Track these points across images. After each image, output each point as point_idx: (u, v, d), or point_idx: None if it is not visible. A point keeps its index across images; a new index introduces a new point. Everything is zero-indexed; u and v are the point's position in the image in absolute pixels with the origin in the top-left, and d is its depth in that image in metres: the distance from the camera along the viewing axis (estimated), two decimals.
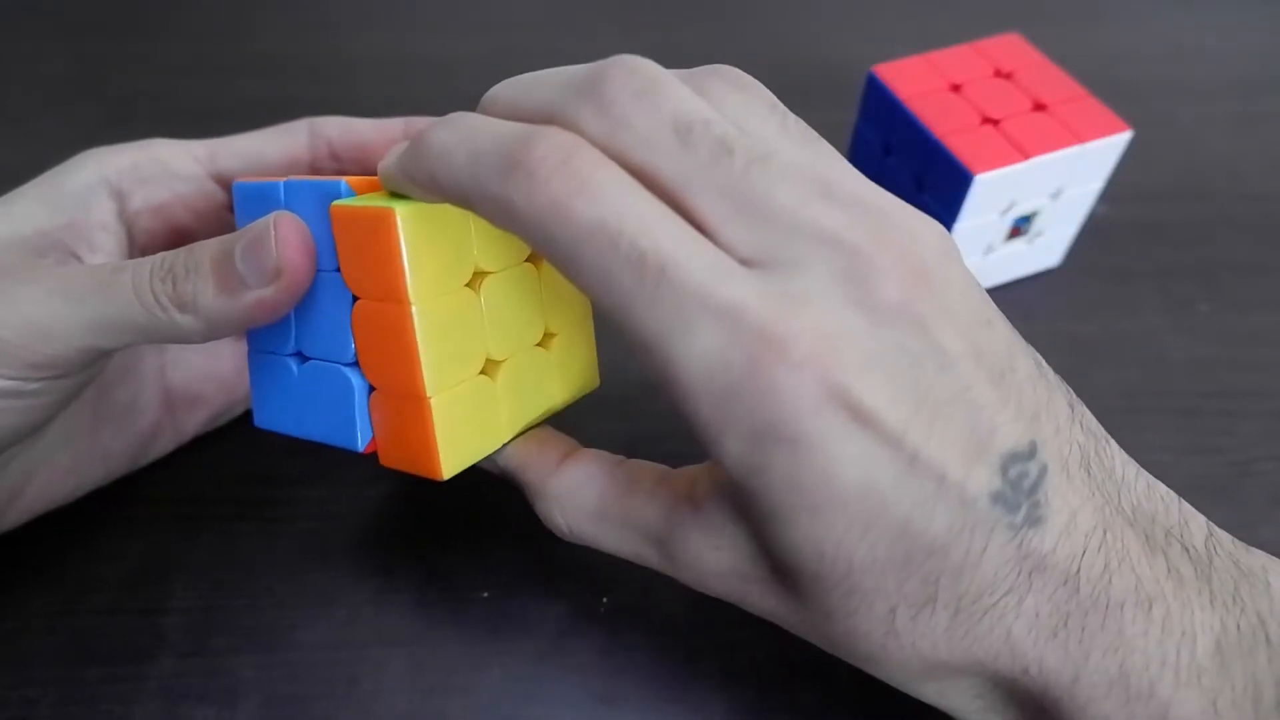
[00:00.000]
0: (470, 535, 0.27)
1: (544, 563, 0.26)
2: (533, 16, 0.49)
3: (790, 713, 0.24)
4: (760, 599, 0.19)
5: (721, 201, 0.17)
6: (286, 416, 0.22)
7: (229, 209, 0.25)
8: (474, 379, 0.20)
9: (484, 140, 0.17)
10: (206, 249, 0.20)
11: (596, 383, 0.24)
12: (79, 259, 0.23)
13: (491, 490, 0.28)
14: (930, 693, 0.19)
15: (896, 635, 0.17)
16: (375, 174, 0.25)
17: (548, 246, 0.17)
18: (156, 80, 0.43)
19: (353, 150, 0.25)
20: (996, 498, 0.17)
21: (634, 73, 0.17)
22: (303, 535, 0.27)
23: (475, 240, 0.20)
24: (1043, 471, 0.17)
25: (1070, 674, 0.17)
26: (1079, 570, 0.17)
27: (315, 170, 0.25)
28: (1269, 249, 0.37)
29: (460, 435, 0.20)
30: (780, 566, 0.18)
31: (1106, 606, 0.17)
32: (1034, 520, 0.17)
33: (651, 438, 0.27)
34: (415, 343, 0.19)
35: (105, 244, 0.23)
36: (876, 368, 0.16)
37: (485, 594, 0.26)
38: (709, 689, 0.24)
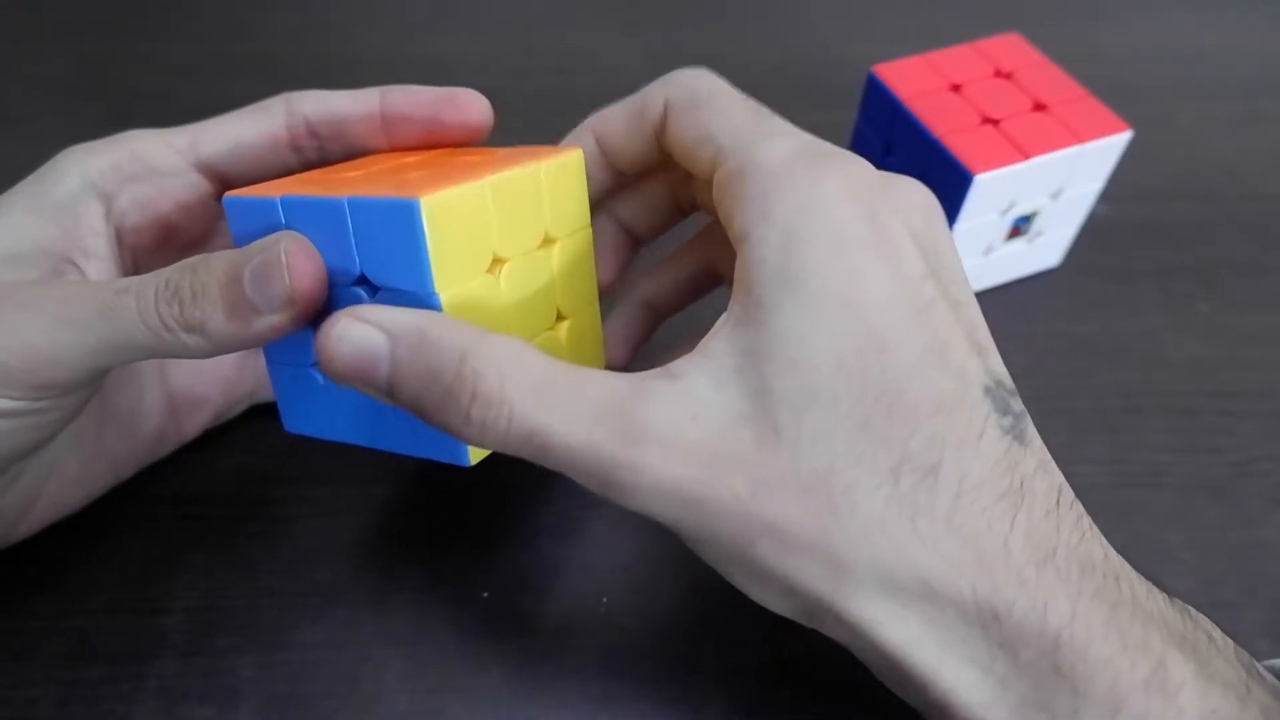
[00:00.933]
0: (470, 535, 0.27)
1: (544, 563, 0.26)
2: (533, 16, 0.49)
3: (790, 713, 0.24)
4: (732, 476, 0.17)
5: None
6: (322, 423, 0.22)
7: (216, 198, 0.25)
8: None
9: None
10: (213, 271, 0.20)
11: (603, 363, 0.25)
12: (76, 267, 0.23)
13: (492, 491, 0.28)
14: (911, 627, 0.17)
15: (900, 500, 0.17)
16: (356, 148, 0.25)
17: (690, 98, 0.22)
18: (156, 80, 0.43)
19: (331, 127, 0.25)
20: (988, 392, 0.18)
21: None
22: (303, 535, 0.27)
23: (495, 227, 0.20)
24: (1024, 413, 0.18)
25: (1069, 607, 0.17)
26: (1059, 511, 0.18)
27: (295, 149, 0.25)
28: (1269, 249, 0.37)
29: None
30: (787, 396, 0.17)
31: (1084, 560, 0.17)
32: (1019, 436, 0.18)
33: None
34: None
35: (97, 248, 0.23)
36: (915, 223, 0.19)
37: (485, 594, 0.26)
38: (709, 689, 0.24)
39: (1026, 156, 0.30)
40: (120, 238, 0.24)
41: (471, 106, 0.24)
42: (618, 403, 0.18)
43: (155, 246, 0.25)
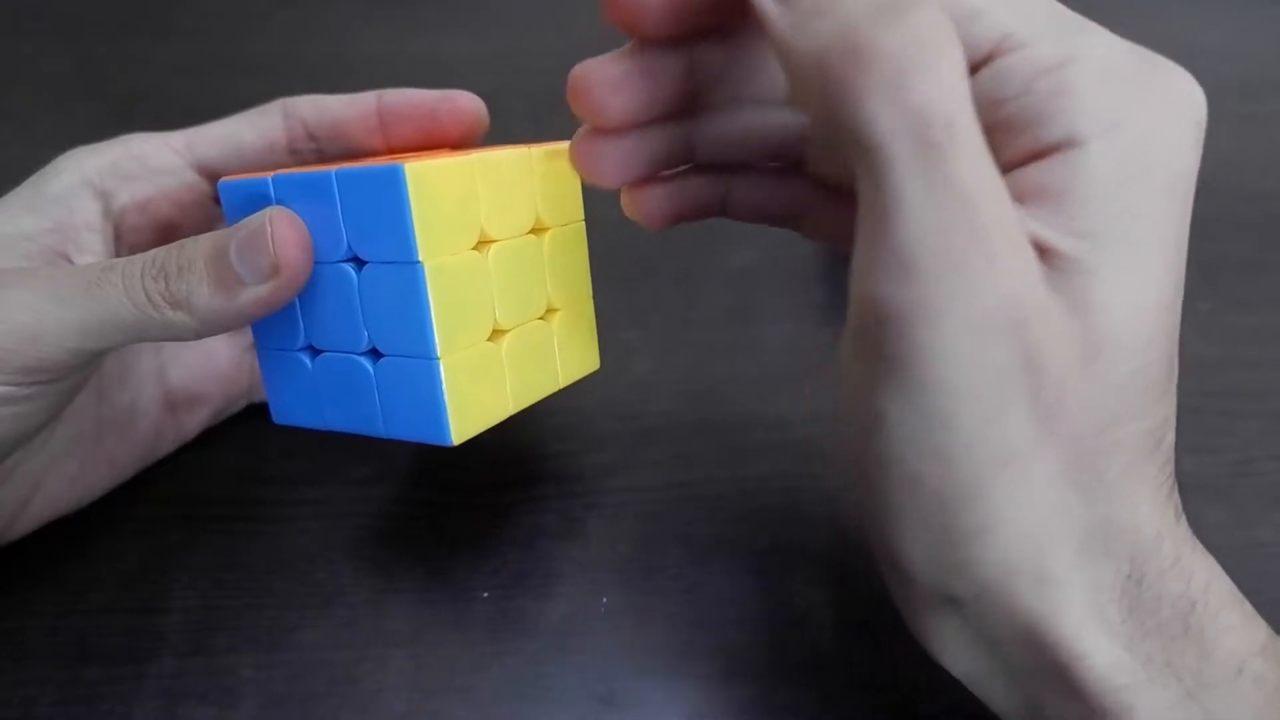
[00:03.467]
0: (470, 535, 0.27)
1: (544, 563, 0.26)
2: (533, 16, 0.49)
3: (790, 713, 0.24)
4: (1053, 349, 0.15)
5: None
6: (309, 412, 0.22)
7: (214, 200, 0.25)
8: (482, 345, 0.20)
9: None
10: (199, 245, 0.20)
11: (597, 364, 0.24)
12: (68, 260, 0.23)
13: (492, 491, 0.28)
14: (1080, 578, 0.16)
15: (1134, 469, 0.17)
16: (351, 151, 0.25)
17: None
18: (156, 80, 0.43)
19: (328, 129, 0.25)
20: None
21: None
22: (303, 535, 0.27)
23: (483, 204, 0.20)
24: None
25: (1205, 577, 0.17)
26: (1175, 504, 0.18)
27: (293, 151, 0.25)
28: (1270, 248, 0.37)
29: (468, 400, 0.20)
30: (1112, 327, 0.16)
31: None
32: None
33: (652, 438, 0.27)
34: (427, 303, 0.19)
35: (92, 244, 0.23)
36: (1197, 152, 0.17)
37: (485, 594, 0.26)
38: (709, 689, 0.24)
39: None
40: (119, 236, 0.24)
41: (467, 106, 0.24)
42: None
43: (153, 245, 0.25)
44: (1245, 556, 0.27)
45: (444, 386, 0.19)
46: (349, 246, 0.20)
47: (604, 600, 0.25)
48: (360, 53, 0.46)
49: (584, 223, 0.23)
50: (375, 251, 0.19)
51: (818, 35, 0.15)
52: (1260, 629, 0.17)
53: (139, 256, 0.20)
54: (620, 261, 0.33)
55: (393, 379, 0.20)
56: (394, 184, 0.18)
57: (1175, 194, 0.17)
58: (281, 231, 0.19)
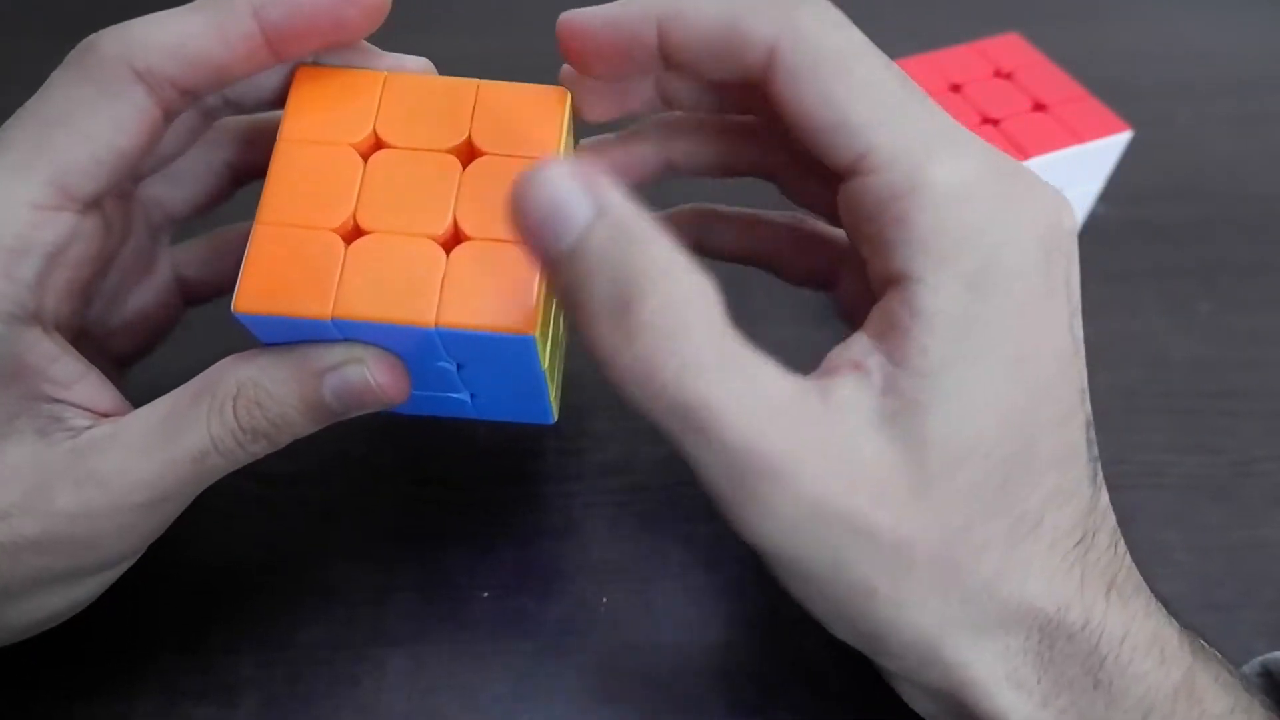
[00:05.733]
0: (470, 535, 0.27)
1: (544, 563, 0.26)
2: (533, 16, 0.48)
3: (790, 713, 0.24)
4: (886, 522, 0.16)
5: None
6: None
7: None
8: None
9: None
10: (289, 400, 0.19)
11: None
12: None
13: (492, 490, 0.28)
14: (986, 660, 0.17)
15: (1011, 558, 0.17)
16: (241, 88, 0.21)
17: (818, 56, 0.17)
18: None
19: (206, 80, 0.19)
20: (1088, 440, 0.18)
21: None
22: (302, 534, 0.27)
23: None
24: (1097, 452, 0.19)
25: (1121, 631, 0.18)
26: (1115, 545, 0.19)
27: (168, 115, 0.19)
28: (1269, 249, 0.37)
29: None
30: (944, 449, 0.16)
31: (1135, 581, 0.19)
32: (1097, 482, 0.18)
33: (652, 437, 0.27)
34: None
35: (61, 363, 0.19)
36: (1070, 267, 0.18)
37: (485, 594, 0.26)
38: (709, 689, 0.24)
39: (1026, 156, 0.30)
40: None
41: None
42: (788, 403, 0.16)
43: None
44: (1245, 557, 0.27)
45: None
46: (450, 360, 0.20)
47: (604, 600, 0.25)
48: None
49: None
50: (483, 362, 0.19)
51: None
52: (1177, 668, 0.18)
53: (212, 446, 0.19)
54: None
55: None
56: (524, 346, 0.18)
57: (1025, 305, 0.17)
58: (382, 379, 0.19)
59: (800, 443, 0.16)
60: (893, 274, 0.17)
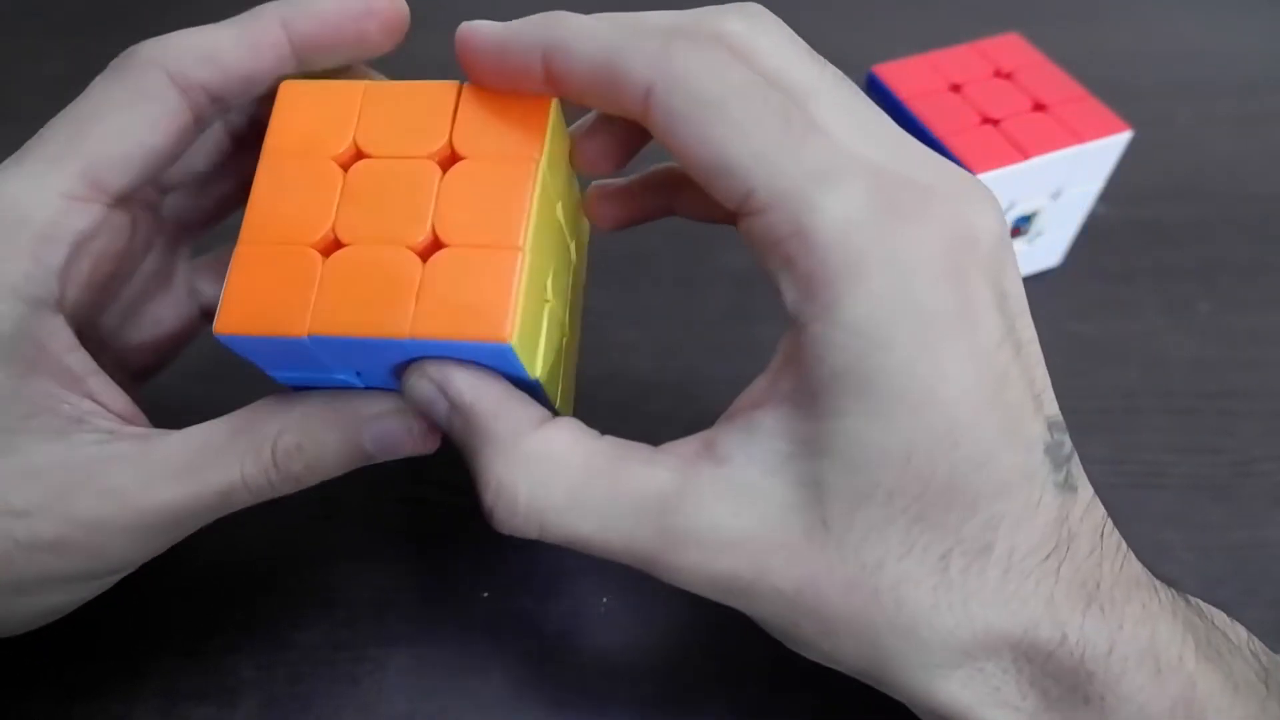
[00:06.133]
0: (470, 535, 0.27)
1: (544, 563, 0.26)
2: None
3: (791, 714, 0.24)
4: (783, 571, 0.17)
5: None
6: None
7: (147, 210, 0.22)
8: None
9: (636, 17, 0.18)
10: (330, 445, 0.19)
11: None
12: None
13: None
14: (951, 689, 0.17)
15: (949, 588, 0.17)
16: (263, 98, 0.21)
17: (691, 99, 0.16)
18: None
19: (236, 88, 0.20)
20: (1048, 450, 0.17)
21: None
22: (303, 534, 0.27)
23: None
24: (1072, 450, 0.18)
25: (1106, 644, 0.17)
26: (1102, 545, 0.18)
27: (198, 120, 0.20)
28: (1269, 249, 0.37)
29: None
30: (841, 492, 0.16)
31: (1129, 581, 0.18)
32: (1069, 486, 0.17)
33: (653, 437, 0.26)
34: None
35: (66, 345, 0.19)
36: (995, 273, 0.17)
37: (485, 594, 0.26)
38: (709, 689, 0.24)
39: (1026, 156, 0.30)
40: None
41: (387, 10, 0.20)
42: (658, 504, 0.17)
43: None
44: (1245, 557, 0.27)
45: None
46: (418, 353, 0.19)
47: (604, 600, 0.25)
48: None
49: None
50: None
51: None
52: (1174, 681, 0.17)
53: (243, 471, 0.19)
54: (620, 261, 0.33)
55: None
56: (502, 355, 0.18)
57: (923, 344, 0.16)
58: (420, 428, 0.20)
59: (678, 536, 0.17)
60: (790, 316, 0.17)
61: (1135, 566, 0.18)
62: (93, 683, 0.24)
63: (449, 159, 0.19)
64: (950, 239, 0.16)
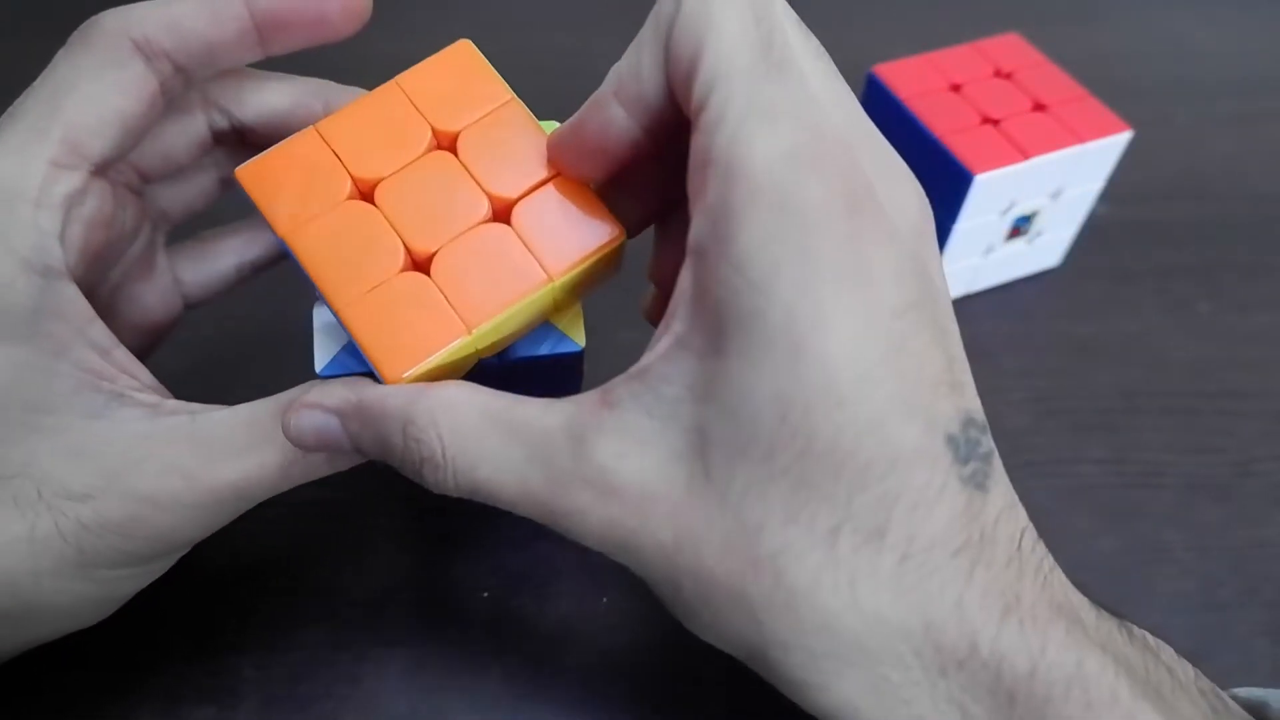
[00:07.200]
0: (470, 535, 0.27)
1: (544, 563, 0.26)
2: (532, 17, 0.49)
3: (791, 714, 0.23)
4: (665, 522, 0.16)
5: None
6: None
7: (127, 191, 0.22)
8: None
9: None
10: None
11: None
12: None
13: None
14: (846, 691, 0.16)
15: (835, 566, 0.15)
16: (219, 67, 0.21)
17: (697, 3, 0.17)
18: None
19: (198, 59, 0.20)
20: (950, 441, 0.16)
21: None
22: (303, 534, 0.27)
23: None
24: (991, 451, 0.17)
25: (1027, 664, 0.15)
26: (1020, 558, 0.16)
27: (165, 92, 0.20)
28: (1269, 249, 0.37)
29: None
30: (722, 441, 0.16)
31: (1049, 604, 0.16)
32: (980, 484, 0.16)
33: None
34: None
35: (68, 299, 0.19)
36: (909, 252, 0.16)
37: (485, 594, 0.26)
38: (710, 689, 0.24)
39: (1026, 156, 0.30)
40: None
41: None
42: (549, 444, 0.17)
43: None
44: (1245, 557, 0.27)
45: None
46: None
47: (604, 600, 0.25)
48: (359, 54, 0.46)
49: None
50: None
51: None
52: (1113, 711, 0.15)
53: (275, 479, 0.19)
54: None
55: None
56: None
57: (810, 293, 0.15)
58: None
59: (568, 478, 0.17)
60: (690, 245, 0.17)
61: (1059, 590, 0.17)
62: (93, 683, 0.24)
63: (448, 140, 0.20)
64: (858, 201, 0.16)
